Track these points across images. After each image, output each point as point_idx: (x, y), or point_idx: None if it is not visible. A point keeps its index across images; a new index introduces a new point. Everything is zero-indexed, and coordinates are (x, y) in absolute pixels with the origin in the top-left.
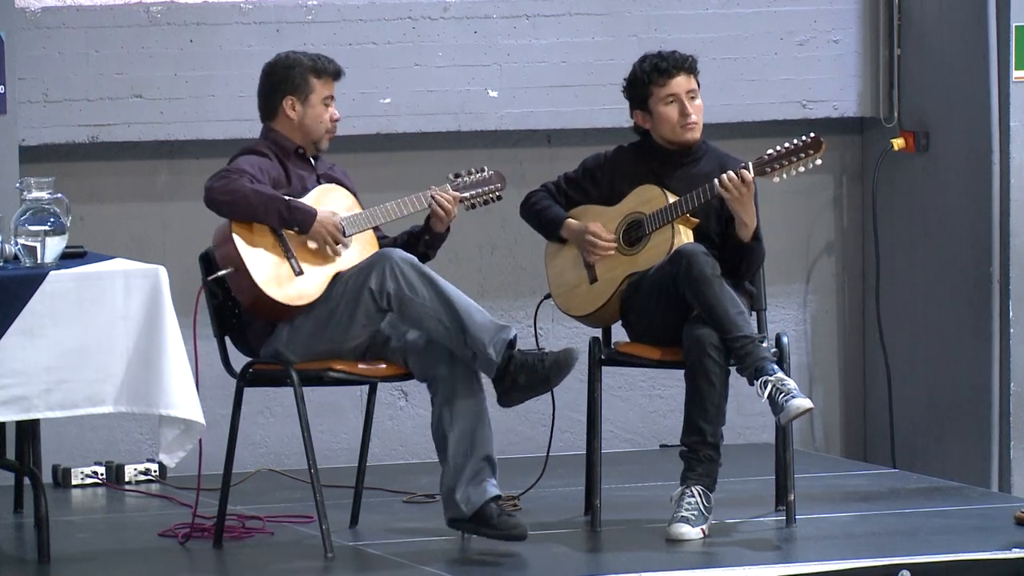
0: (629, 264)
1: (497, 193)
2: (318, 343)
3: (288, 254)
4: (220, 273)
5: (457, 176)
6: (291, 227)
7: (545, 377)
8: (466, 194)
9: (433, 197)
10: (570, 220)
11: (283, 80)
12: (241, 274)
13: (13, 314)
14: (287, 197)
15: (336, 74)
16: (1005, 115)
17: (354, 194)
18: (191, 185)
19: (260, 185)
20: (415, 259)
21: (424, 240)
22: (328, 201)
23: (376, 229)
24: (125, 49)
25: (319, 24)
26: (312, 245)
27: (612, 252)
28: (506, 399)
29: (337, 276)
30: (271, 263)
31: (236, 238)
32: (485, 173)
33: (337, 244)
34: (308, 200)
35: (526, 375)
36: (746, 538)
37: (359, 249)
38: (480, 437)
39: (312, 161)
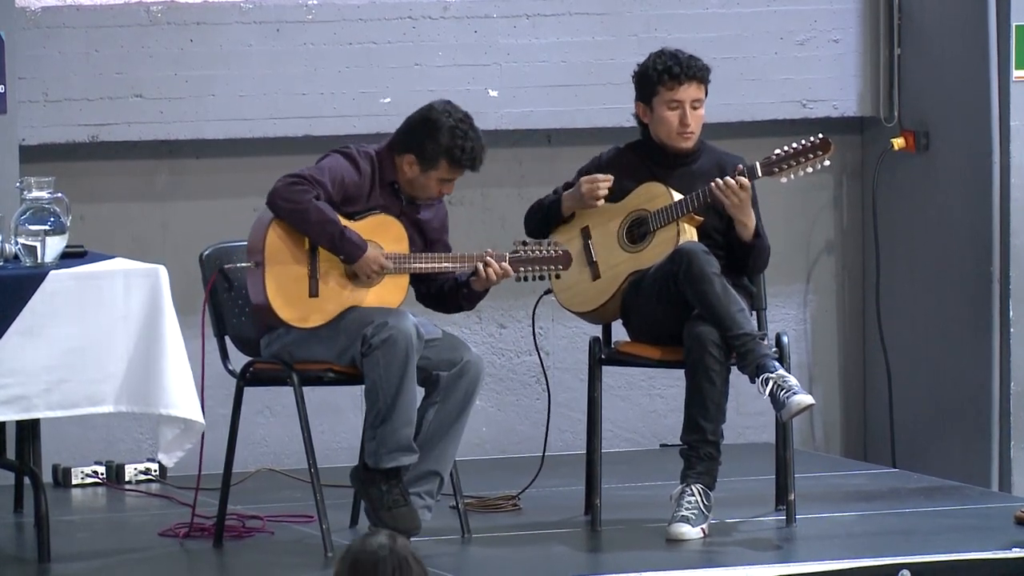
0: (633, 261)
1: (556, 273)
2: (313, 353)
3: (312, 271)
4: (241, 265)
5: (522, 245)
6: (339, 255)
7: (377, 520)
8: (521, 268)
9: (484, 265)
10: (565, 194)
11: (419, 142)
12: (258, 274)
13: (13, 314)
14: (344, 225)
15: (470, 168)
16: (1005, 115)
17: (426, 238)
18: (191, 185)
19: (324, 204)
20: (415, 344)
21: (463, 293)
22: (379, 232)
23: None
24: (125, 49)
25: (319, 24)
26: (348, 273)
27: (610, 182)
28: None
29: (351, 308)
30: (291, 276)
31: (270, 235)
32: (551, 251)
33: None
34: (363, 225)
35: (378, 504)
36: (746, 538)
37: (388, 286)
38: (443, 452)
39: (402, 196)
